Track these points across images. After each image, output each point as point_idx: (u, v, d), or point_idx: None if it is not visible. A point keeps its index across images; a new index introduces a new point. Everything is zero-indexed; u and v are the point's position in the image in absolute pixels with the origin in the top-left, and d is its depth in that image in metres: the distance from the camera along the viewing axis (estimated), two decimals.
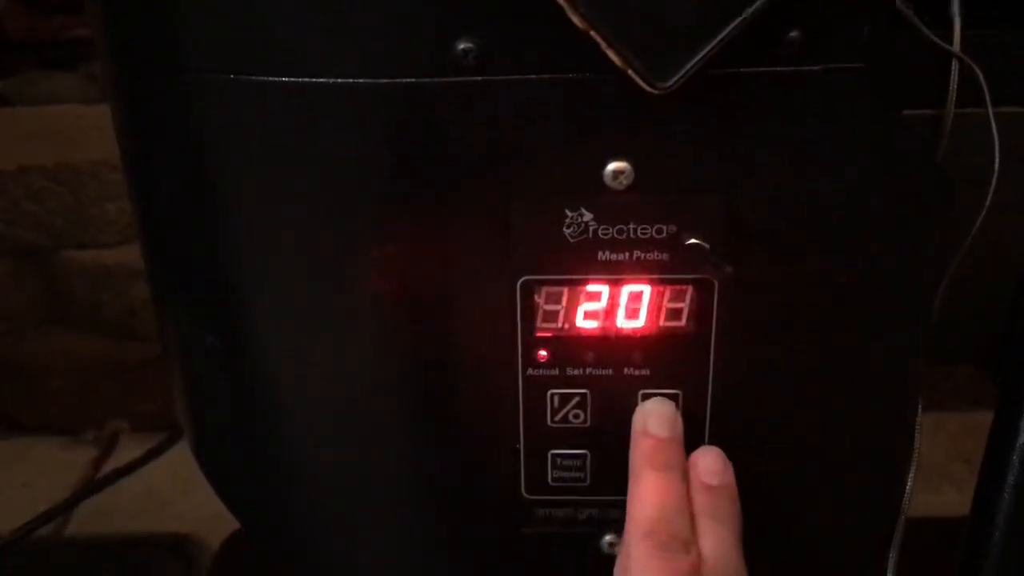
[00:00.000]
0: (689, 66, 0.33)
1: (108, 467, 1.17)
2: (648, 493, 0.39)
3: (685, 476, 0.41)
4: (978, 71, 0.40)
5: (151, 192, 0.45)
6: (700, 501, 0.40)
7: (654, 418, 0.41)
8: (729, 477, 0.41)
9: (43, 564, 1.01)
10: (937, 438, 1.17)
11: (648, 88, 0.34)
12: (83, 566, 1.03)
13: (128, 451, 1.22)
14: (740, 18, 0.33)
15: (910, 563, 0.50)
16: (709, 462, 0.41)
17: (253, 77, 0.37)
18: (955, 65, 0.40)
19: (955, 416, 1.18)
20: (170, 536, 1.06)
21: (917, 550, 0.50)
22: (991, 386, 0.49)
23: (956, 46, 0.40)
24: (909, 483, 0.44)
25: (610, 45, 0.33)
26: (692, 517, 0.40)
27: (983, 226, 0.42)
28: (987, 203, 0.42)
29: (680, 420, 0.41)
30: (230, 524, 1.03)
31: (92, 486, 0.84)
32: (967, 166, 0.41)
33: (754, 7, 0.33)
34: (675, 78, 0.33)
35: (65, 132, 1.28)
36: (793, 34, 0.35)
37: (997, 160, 0.41)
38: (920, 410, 0.43)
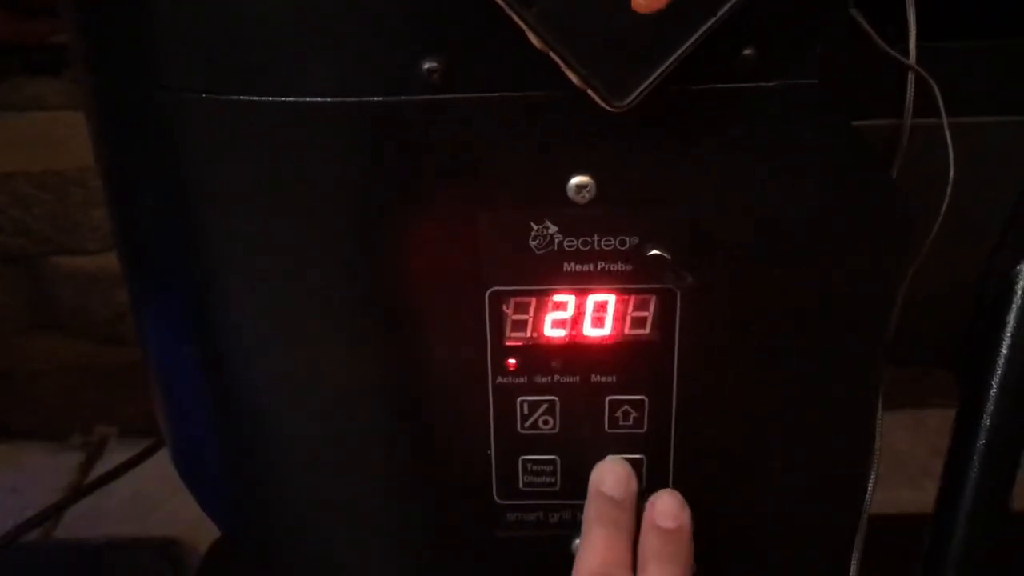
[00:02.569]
0: (645, 85, 0.34)
1: (96, 471, 1.18)
2: (594, 546, 0.42)
3: (631, 536, 0.43)
4: (933, 83, 0.41)
5: (126, 203, 0.46)
6: (651, 543, 0.42)
7: (610, 479, 0.43)
8: (685, 519, 0.43)
9: (31, 568, 1.02)
10: (917, 435, 1.19)
11: (607, 106, 0.35)
12: (71, 570, 1.03)
13: (116, 455, 1.22)
14: (695, 37, 0.34)
15: (892, 557, 0.51)
16: (666, 505, 0.43)
17: (224, 96, 0.38)
18: (911, 77, 0.41)
19: (935, 413, 1.19)
20: (158, 539, 1.06)
21: (898, 544, 0.51)
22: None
23: (912, 58, 0.41)
24: (871, 483, 0.45)
25: (568, 65, 0.34)
26: (640, 562, 0.42)
27: (949, 233, 0.43)
28: (942, 210, 0.43)
29: (634, 482, 0.43)
30: (216, 527, 1.04)
31: (81, 490, 0.84)
32: (923, 175, 0.42)
33: (707, 25, 0.34)
34: (632, 96, 0.34)
35: (51, 138, 1.28)
36: (748, 51, 0.36)
37: (952, 169, 0.42)
38: (881, 411, 0.45)
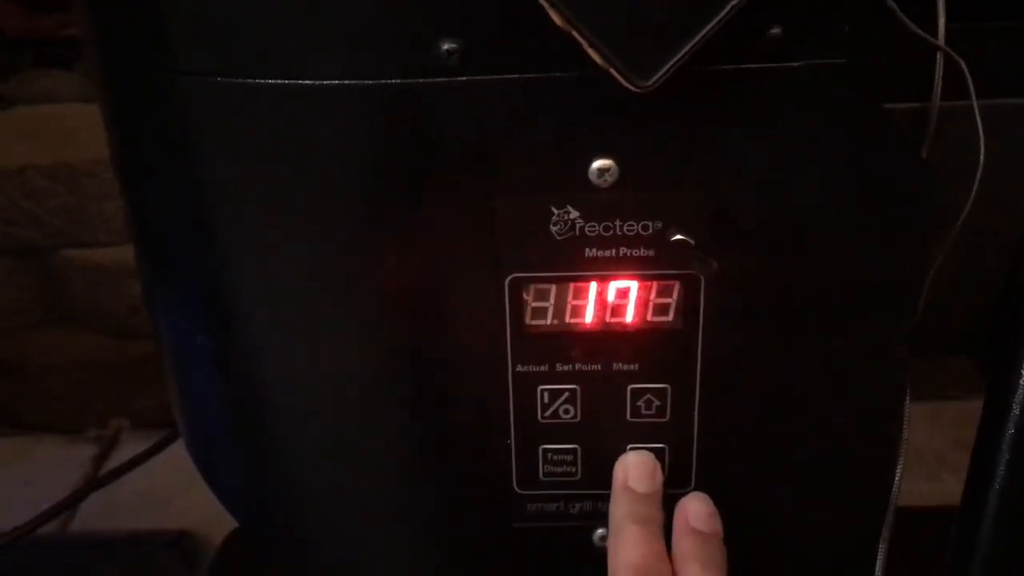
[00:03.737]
0: (670, 64, 0.33)
1: (110, 464, 1.18)
2: (629, 545, 0.41)
3: (662, 530, 0.42)
4: (963, 64, 0.40)
5: (140, 191, 0.45)
6: (688, 545, 0.41)
7: (634, 472, 0.42)
8: (717, 525, 0.42)
9: (46, 561, 1.02)
10: (936, 426, 1.17)
11: (630, 87, 0.34)
12: (85, 563, 1.03)
13: (129, 448, 1.22)
14: (720, 16, 0.33)
15: (912, 550, 0.50)
16: (698, 507, 0.42)
17: (238, 80, 0.37)
18: (940, 58, 0.41)
19: (953, 405, 1.18)
20: (172, 533, 1.06)
21: (918, 537, 0.50)
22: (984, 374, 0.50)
23: (941, 39, 0.40)
24: (898, 474, 0.44)
25: (591, 44, 0.33)
26: (678, 565, 0.41)
27: (976, 218, 0.42)
28: (972, 195, 0.42)
29: (660, 473, 0.42)
30: (231, 520, 1.04)
31: (95, 483, 0.84)
32: (953, 158, 0.41)
33: (733, 4, 0.33)
34: (656, 76, 0.34)
35: (63, 131, 1.28)
36: (774, 31, 0.35)
37: (982, 152, 0.41)
38: (908, 400, 0.44)
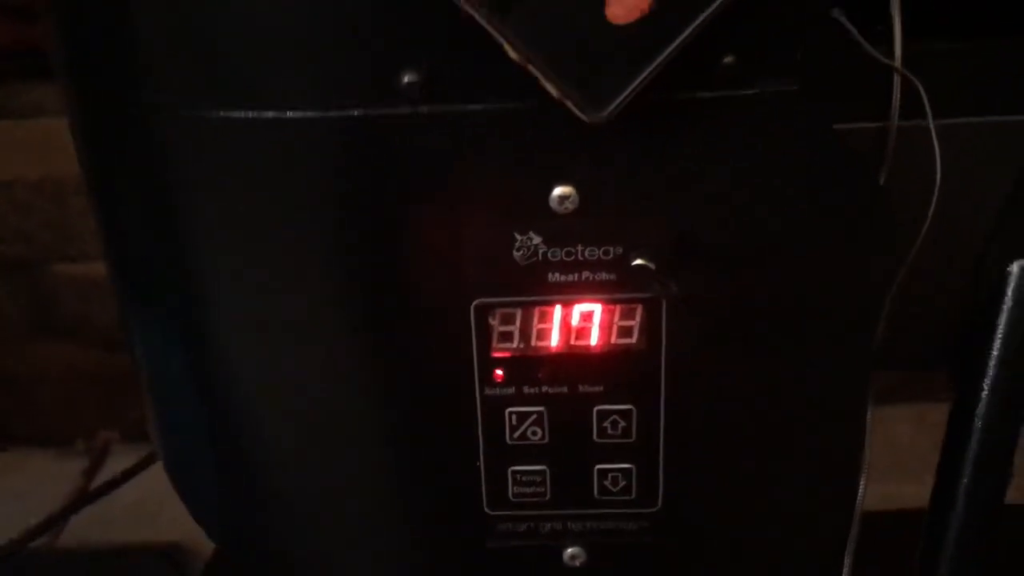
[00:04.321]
0: (623, 96, 0.34)
1: (99, 477, 1.18)
2: None
3: None
4: (919, 85, 0.41)
5: (112, 217, 0.46)
6: None
7: None
8: None
9: (36, 574, 1.02)
10: (920, 429, 1.18)
11: (585, 118, 0.35)
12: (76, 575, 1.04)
13: (119, 460, 1.22)
14: (671, 47, 0.33)
15: (897, 552, 0.51)
16: None
17: (203, 113, 0.38)
18: (897, 79, 0.41)
19: (938, 408, 1.19)
20: (162, 545, 1.07)
21: (902, 539, 0.51)
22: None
23: (897, 61, 0.41)
24: (862, 486, 0.45)
25: (546, 77, 0.34)
26: None
27: (938, 235, 0.43)
28: (930, 213, 0.42)
29: None
30: None
31: (85, 497, 0.85)
32: (911, 177, 0.42)
33: (683, 36, 0.33)
34: (610, 108, 0.34)
35: (49, 145, 1.28)
36: (727, 59, 0.36)
37: (939, 171, 0.42)
38: (870, 413, 0.44)
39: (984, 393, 0.46)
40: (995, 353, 0.46)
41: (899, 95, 0.41)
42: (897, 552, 0.52)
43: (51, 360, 1.27)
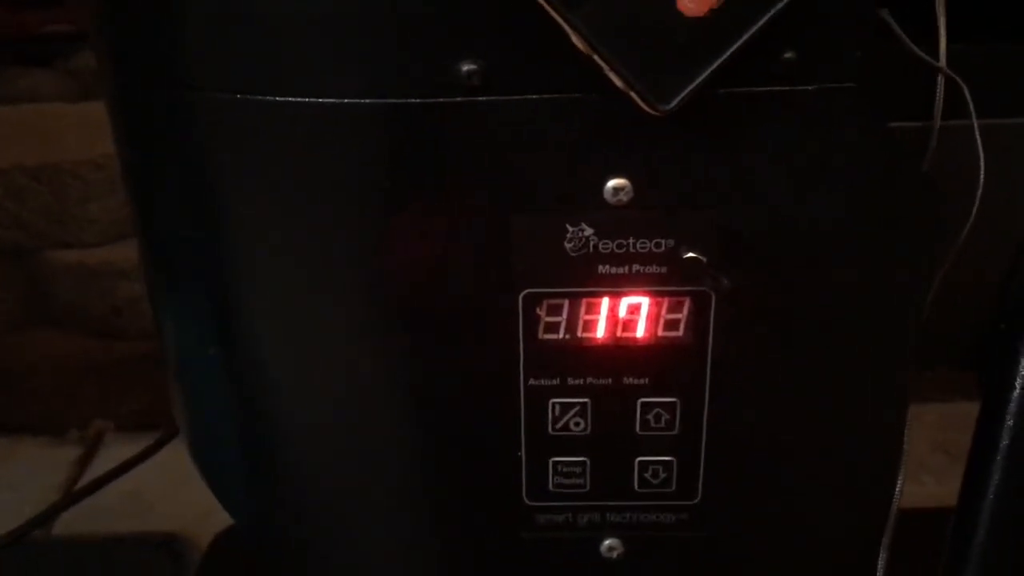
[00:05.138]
0: (690, 88, 0.34)
1: (93, 466, 1.17)
2: None
3: None
4: (963, 85, 0.41)
5: (149, 200, 0.45)
6: None
7: None
8: None
9: (31, 565, 1.01)
10: (916, 429, 1.19)
11: (650, 110, 0.35)
12: (72, 567, 1.03)
13: (113, 450, 1.22)
14: (740, 41, 0.34)
15: (893, 552, 0.51)
16: None
17: (257, 97, 0.38)
18: (941, 79, 0.42)
19: (934, 408, 1.20)
20: (159, 535, 1.06)
21: (897, 539, 0.51)
22: (969, 377, 0.51)
23: (942, 61, 0.41)
24: (900, 480, 0.45)
25: (612, 68, 0.34)
26: None
27: (976, 235, 0.43)
28: (973, 212, 0.43)
29: None
30: (216, 524, 1.04)
31: (85, 489, 0.84)
32: (950, 177, 0.42)
33: (753, 30, 0.33)
34: (676, 100, 0.34)
35: (46, 131, 1.27)
36: (788, 55, 0.36)
37: (982, 171, 0.42)
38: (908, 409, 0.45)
39: (1016, 392, 0.47)
40: None
41: (943, 95, 0.42)
42: (898, 551, 0.53)
43: (45, 348, 1.26)
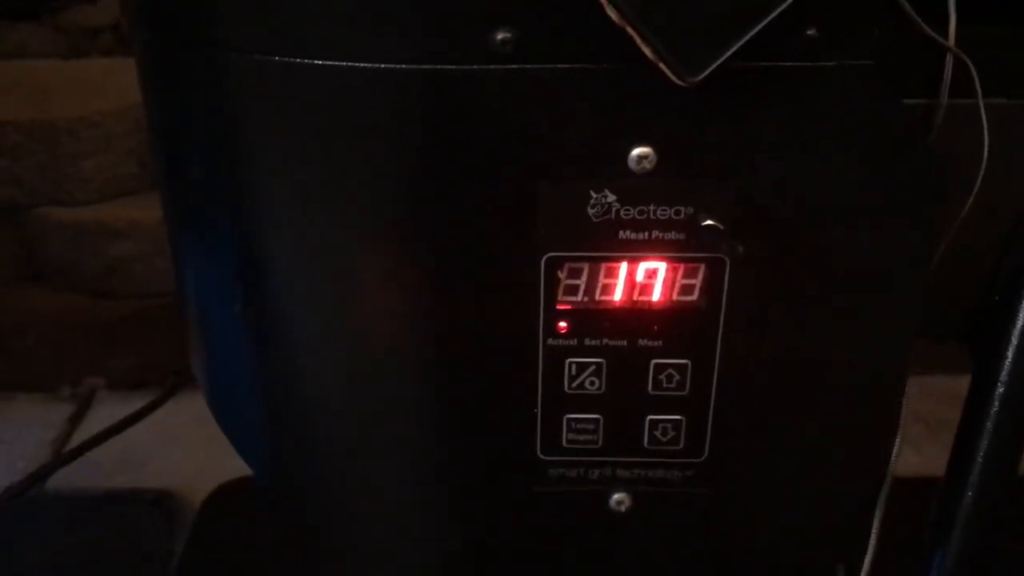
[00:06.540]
0: (718, 61, 0.36)
1: (85, 423, 1.18)
2: None
3: None
4: (970, 65, 0.43)
5: (176, 157, 0.46)
6: None
7: None
8: None
9: (26, 520, 1.02)
10: None
11: (678, 81, 0.36)
12: (66, 521, 1.04)
13: (105, 408, 1.22)
14: (770, 15, 0.35)
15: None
16: None
17: (292, 59, 0.39)
18: (949, 58, 0.43)
19: (915, 380, 1.23)
20: (153, 492, 1.07)
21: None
22: (949, 350, 0.53)
23: (951, 41, 0.43)
24: (896, 445, 0.47)
25: (644, 39, 0.35)
26: None
27: (976, 212, 0.45)
28: (975, 188, 0.45)
29: None
30: (208, 482, 1.05)
31: (84, 444, 0.85)
32: (955, 154, 0.44)
33: (782, 6, 0.35)
34: (704, 72, 0.36)
35: (40, 88, 1.26)
36: (811, 32, 0.38)
37: (986, 148, 0.44)
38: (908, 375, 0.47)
39: (1007, 361, 0.49)
40: (1020, 323, 0.49)
41: (950, 74, 0.43)
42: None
43: (37, 305, 1.26)
